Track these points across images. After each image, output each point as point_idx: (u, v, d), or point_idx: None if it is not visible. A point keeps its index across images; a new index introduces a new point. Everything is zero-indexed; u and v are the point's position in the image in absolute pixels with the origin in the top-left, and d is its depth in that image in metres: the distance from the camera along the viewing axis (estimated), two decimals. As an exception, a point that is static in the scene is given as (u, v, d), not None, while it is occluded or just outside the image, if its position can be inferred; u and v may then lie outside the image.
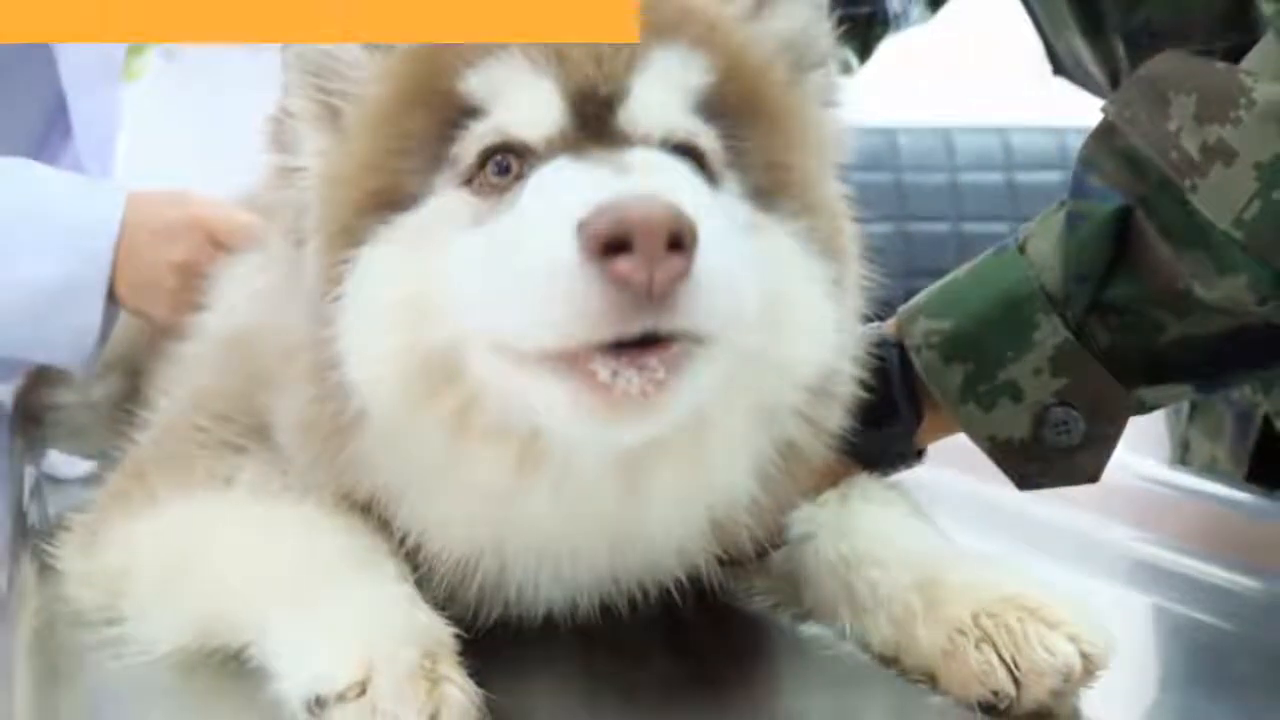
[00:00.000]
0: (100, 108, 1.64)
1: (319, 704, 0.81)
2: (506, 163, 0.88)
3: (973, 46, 3.30)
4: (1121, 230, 1.06)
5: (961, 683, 0.91)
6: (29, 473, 1.60)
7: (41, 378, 1.61)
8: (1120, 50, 1.26)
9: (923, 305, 1.13)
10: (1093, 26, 1.30)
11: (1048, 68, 1.43)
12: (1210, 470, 1.50)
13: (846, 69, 1.57)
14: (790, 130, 0.96)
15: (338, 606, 0.88)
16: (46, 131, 1.65)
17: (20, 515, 1.41)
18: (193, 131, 1.76)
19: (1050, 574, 0.99)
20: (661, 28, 0.91)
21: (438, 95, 0.90)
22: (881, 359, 1.10)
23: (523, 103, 0.88)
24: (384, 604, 0.88)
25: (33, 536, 1.34)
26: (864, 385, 1.02)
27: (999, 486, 1.27)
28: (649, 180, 0.82)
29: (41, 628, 1.10)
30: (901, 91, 2.62)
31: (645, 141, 0.88)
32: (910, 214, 3.20)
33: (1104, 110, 1.10)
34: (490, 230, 0.87)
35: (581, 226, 0.78)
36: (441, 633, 0.87)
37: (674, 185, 0.83)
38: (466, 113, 0.90)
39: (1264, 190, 0.99)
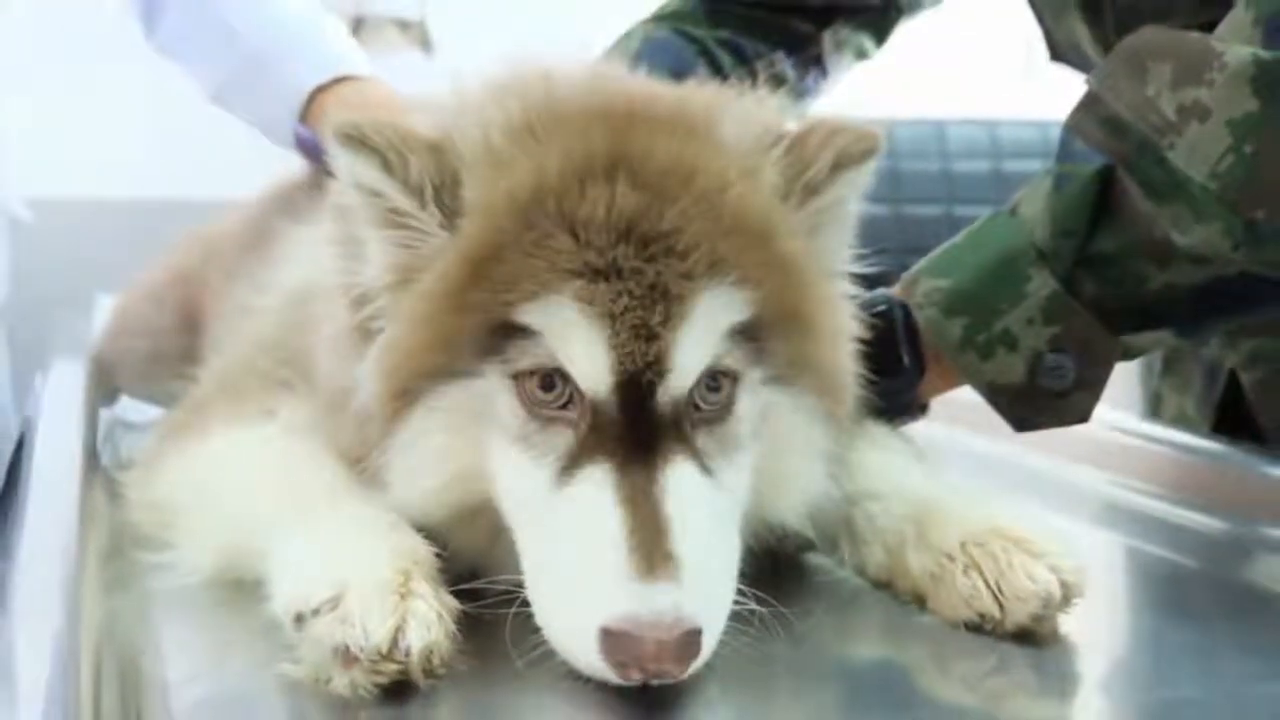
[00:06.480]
0: None
1: (299, 620, 0.80)
2: (553, 381, 0.86)
3: (964, 45, 3.28)
4: (1105, 188, 1.05)
5: (949, 605, 0.91)
6: (103, 416, 1.58)
7: (119, 328, 1.60)
8: (1112, 30, 1.25)
9: (925, 267, 1.12)
10: (1093, 5, 1.28)
11: (1044, 55, 1.40)
12: (1180, 422, 1.48)
13: (862, 55, 1.55)
14: (816, 324, 0.92)
15: (325, 530, 0.87)
16: None
17: (93, 455, 1.40)
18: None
19: (1033, 513, 0.98)
20: (714, 263, 0.86)
21: (491, 314, 0.86)
22: (888, 317, 1.09)
23: (578, 355, 0.85)
24: (365, 527, 0.87)
25: (103, 472, 1.34)
26: (871, 342, 1.01)
27: (990, 438, 1.29)
28: (676, 595, 0.78)
29: (110, 546, 1.11)
30: (898, 85, 2.57)
31: (677, 400, 0.85)
32: (905, 198, 3.17)
33: (1087, 82, 1.09)
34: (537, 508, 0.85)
35: (604, 636, 0.77)
36: (420, 552, 0.85)
37: (696, 573, 0.80)
38: (519, 330, 0.86)
39: (1237, 145, 0.98)
